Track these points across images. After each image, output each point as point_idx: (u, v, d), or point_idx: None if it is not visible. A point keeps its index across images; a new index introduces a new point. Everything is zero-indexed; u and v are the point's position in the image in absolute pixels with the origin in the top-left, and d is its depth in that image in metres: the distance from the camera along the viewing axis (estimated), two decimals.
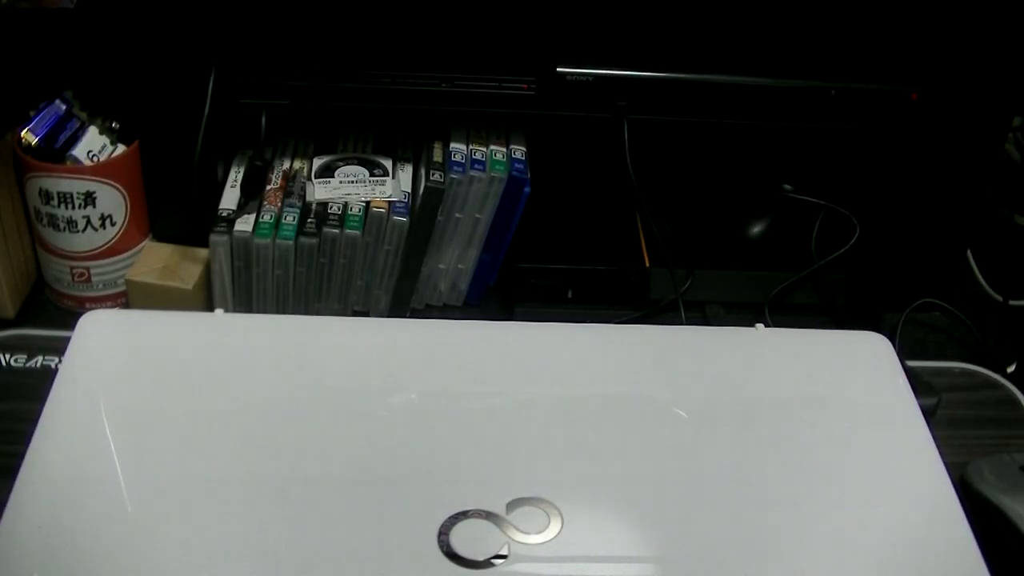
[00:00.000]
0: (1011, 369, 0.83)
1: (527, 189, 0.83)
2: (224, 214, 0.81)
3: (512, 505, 0.52)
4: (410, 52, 0.80)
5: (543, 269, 0.87)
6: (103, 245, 0.84)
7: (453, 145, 0.84)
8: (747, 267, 0.90)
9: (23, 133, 0.81)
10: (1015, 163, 0.99)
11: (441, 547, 0.50)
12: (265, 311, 0.83)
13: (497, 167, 0.82)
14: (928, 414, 0.62)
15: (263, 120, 0.81)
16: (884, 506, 0.54)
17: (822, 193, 0.89)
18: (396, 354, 0.60)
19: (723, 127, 0.84)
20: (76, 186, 0.80)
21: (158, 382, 0.57)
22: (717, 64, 0.81)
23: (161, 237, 0.87)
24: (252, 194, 0.82)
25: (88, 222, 0.82)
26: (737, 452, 0.56)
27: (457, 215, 0.84)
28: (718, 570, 0.51)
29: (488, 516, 0.51)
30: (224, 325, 0.62)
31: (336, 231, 0.80)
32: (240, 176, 0.84)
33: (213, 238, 0.80)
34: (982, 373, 0.75)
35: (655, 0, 0.80)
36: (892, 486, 0.55)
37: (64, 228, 0.82)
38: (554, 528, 0.51)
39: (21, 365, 0.70)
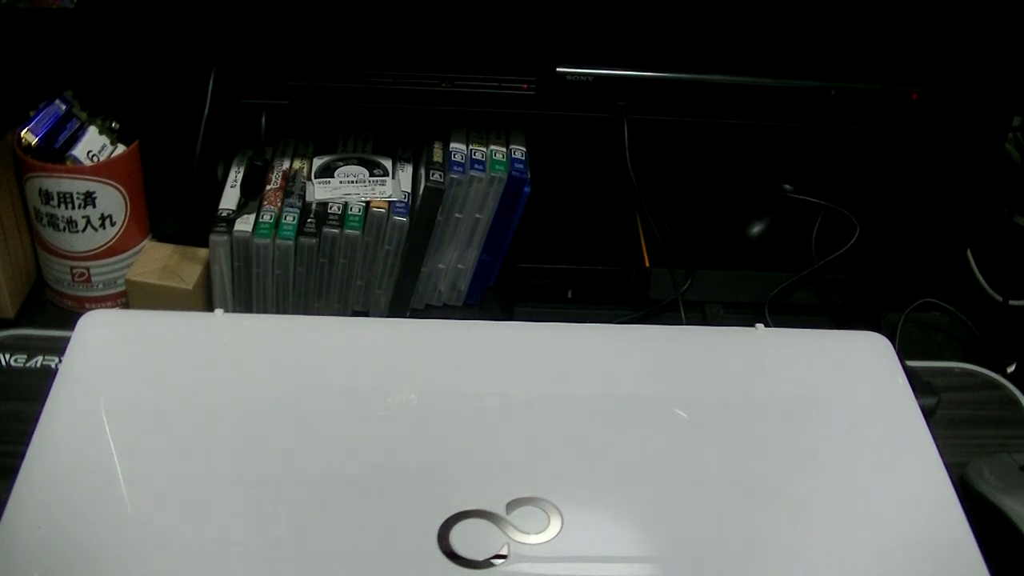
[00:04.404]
0: (1011, 369, 0.83)
1: (527, 189, 0.83)
2: (224, 214, 0.81)
3: (512, 505, 0.52)
4: (410, 52, 0.80)
5: (543, 269, 0.87)
6: (103, 245, 0.84)
7: (453, 145, 0.84)
8: (747, 267, 0.90)
9: (23, 133, 0.81)
10: (1015, 163, 0.99)
11: (441, 547, 0.50)
12: (265, 311, 0.83)
13: (497, 167, 0.82)
14: (928, 414, 0.62)
15: (263, 120, 0.81)
16: (884, 506, 0.54)
17: (822, 193, 0.89)
18: (396, 354, 0.60)
19: (723, 127, 0.83)
20: (76, 186, 0.80)
21: (158, 382, 0.57)
22: (717, 64, 0.81)
23: (161, 237, 0.87)
24: (252, 194, 0.82)
25: (88, 222, 0.82)
26: (737, 452, 0.56)
27: (457, 215, 0.83)
28: (718, 570, 0.51)
29: (488, 516, 0.51)
30: (224, 325, 0.62)
31: (336, 231, 0.80)
32: (240, 176, 0.84)
33: (213, 238, 0.80)
34: (982, 373, 0.75)
35: (655, 0, 0.80)
36: (892, 486, 0.55)
37: (64, 228, 0.82)
38: (554, 528, 0.51)
39: (21, 365, 0.70)
